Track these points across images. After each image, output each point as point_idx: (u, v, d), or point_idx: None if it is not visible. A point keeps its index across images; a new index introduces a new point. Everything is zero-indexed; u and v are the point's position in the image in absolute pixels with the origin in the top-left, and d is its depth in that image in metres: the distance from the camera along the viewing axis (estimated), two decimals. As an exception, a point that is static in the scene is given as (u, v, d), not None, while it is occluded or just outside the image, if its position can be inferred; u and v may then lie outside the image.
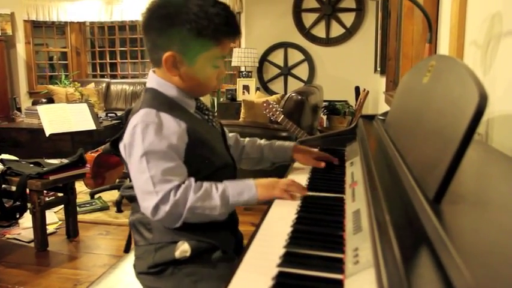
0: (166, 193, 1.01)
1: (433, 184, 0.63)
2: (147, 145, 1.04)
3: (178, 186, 1.03)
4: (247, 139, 1.46)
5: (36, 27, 7.11)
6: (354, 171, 1.22)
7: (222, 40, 1.11)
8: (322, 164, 1.36)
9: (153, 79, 1.17)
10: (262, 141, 1.44)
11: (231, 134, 1.42)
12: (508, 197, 0.68)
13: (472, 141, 0.60)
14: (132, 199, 1.19)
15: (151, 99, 1.13)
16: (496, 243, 0.50)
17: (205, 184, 1.06)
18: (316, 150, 1.46)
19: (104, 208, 3.50)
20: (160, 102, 1.12)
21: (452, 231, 0.53)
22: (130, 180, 1.17)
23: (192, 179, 1.06)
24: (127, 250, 1.35)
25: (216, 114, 1.31)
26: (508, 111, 1.16)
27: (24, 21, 6.85)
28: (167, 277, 1.10)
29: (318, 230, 0.87)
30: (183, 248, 1.09)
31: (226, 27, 1.11)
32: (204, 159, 1.14)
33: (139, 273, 1.16)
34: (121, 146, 1.13)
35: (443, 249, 0.49)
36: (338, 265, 0.71)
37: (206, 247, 1.11)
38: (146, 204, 1.03)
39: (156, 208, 1.02)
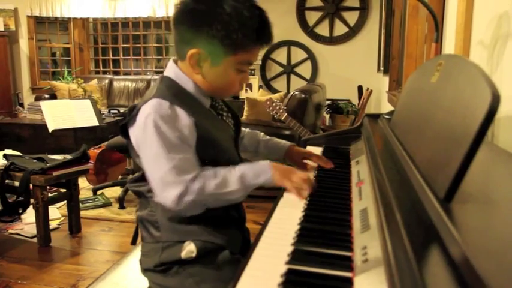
0: (188, 183, 1.02)
1: (444, 183, 0.64)
2: (163, 137, 1.03)
3: (197, 175, 1.03)
4: (247, 130, 1.44)
5: (39, 22, 7.11)
6: (360, 170, 1.21)
7: (250, 46, 1.09)
8: (311, 164, 1.32)
9: (172, 69, 1.15)
10: (261, 136, 1.43)
11: None
12: (517, 197, 0.68)
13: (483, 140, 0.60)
14: (140, 194, 1.18)
15: (166, 89, 1.10)
16: (507, 241, 0.51)
17: (222, 170, 1.06)
18: (310, 152, 1.41)
19: (106, 204, 3.50)
20: (174, 93, 1.10)
21: (464, 230, 0.53)
22: (133, 173, 1.16)
23: (209, 167, 1.07)
24: (134, 242, 1.35)
25: (230, 113, 1.28)
26: (515, 111, 1.16)
27: (28, 16, 6.86)
28: (172, 275, 1.11)
29: (326, 228, 0.87)
30: (190, 249, 1.09)
31: (258, 34, 1.08)
32: (209, 155, 1.12)
33: (145, 270, 1.16)
34: (132, 133, 1.11)
35: (456, 247, 0.49)
36: (347, 263, 0.72)
37: (212, 248, 1.11)
38: (168, 194, 1.02)
39: (180, 198, 1.01)
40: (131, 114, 1.10)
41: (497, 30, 1.32)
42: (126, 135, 1.13)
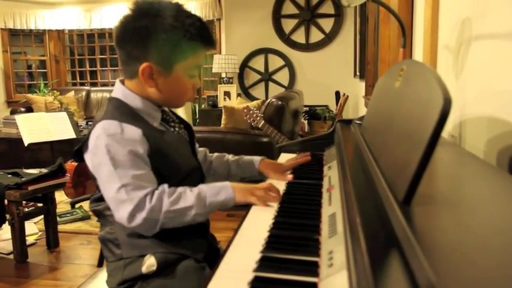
0: (141, 200, 1.01)
1: (403, 186, 0.65)
2: (113, 155, 1.03)
3: (152, 192, 1.02)
4: (215, 155, 1.44)
5: (13, 35, 7.02)
6: (331, 175, 1.23)
7: (197, 49, 1.13)
8: (289, 178, 1.31)
9: (119, 89, 1.17)
10: (230, 157, 1.43)
11: (200, 149, 1.41)
12: (475, 198, 0.70)
13: (438, 143, 0.61)
14: (99, 214, 1.18)
15: (114, 110, 1.12)
16: (461, 242, 0.52)
17: (179, 188, 1.06)
18: (284, 163, 1.43)
19: (85, 218, 3.46)
20: (122, 112, 1.12)
21: (420, 232, 0.54)
22: (98, 191, 1.15)
23: (166, 185, 1.06)
24: (100, 264, 1.33)
25: (183, 124, 1.29)
26: (478, 113, 1.19)
27: (1, 29, 6.76)
28: None
29: (294, 234, 0.88)
30: (150, 262, 1.07)
31: (202, 37, 1.12)
32: (169, 166, 1.13)
33: None
34: (86, 157, 1.12)
35: (411, 250, 0.50)
36: (313, 268, 0.72)
37: (174, 258, 1.09)
38: (121, 213, 1.02)
39: (132, 215, 1.00)
40: (84, 139, 1.12)
41: (461, 35, 1.36)
42: (82, 160, 1.14)
